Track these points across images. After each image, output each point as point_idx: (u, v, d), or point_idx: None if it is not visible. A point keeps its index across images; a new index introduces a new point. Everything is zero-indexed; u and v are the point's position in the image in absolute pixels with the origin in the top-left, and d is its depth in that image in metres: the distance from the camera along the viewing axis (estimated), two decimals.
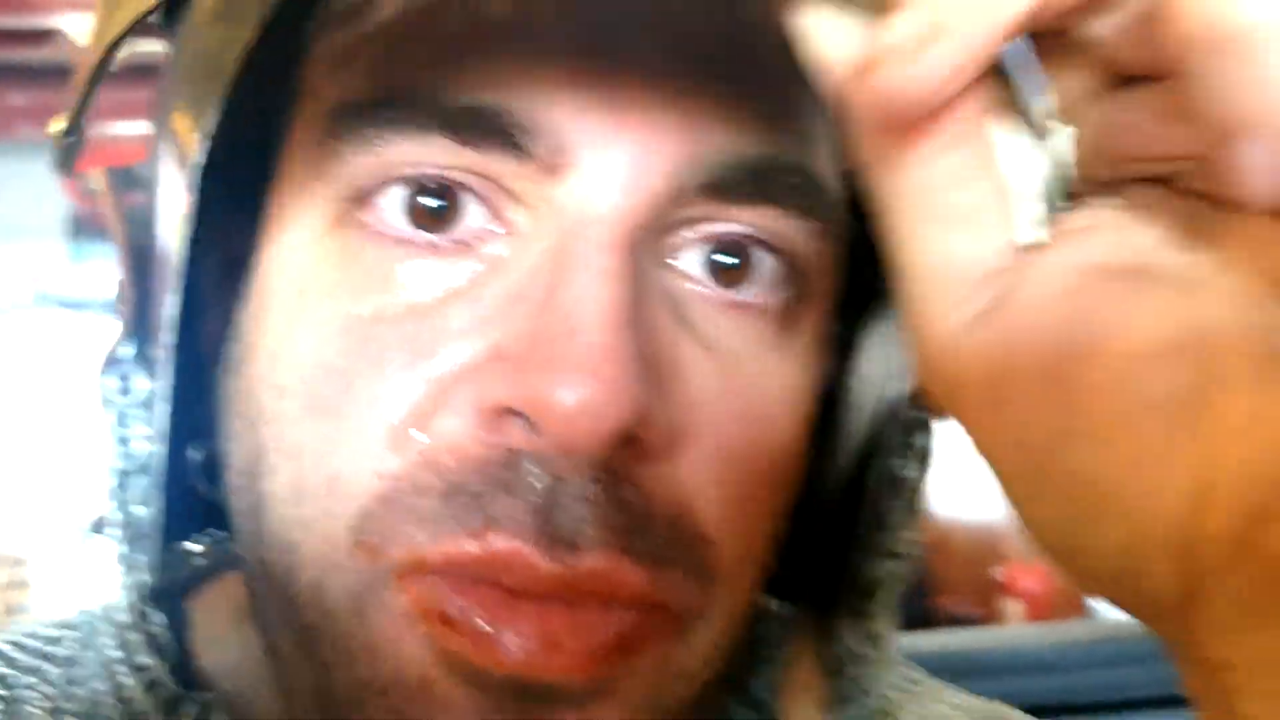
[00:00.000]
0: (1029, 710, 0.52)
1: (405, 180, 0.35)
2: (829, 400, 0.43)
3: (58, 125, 0.42)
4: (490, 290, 0.35)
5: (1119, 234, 0.27)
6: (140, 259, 0.42)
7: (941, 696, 0.51)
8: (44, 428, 3.28)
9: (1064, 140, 0.27)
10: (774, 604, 0.47)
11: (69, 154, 0.42)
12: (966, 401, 0.28)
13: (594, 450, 0.33)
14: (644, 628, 0.36)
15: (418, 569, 0.35)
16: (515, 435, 0.34)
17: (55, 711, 0.44)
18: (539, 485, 0.34)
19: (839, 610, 0.44)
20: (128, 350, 0.42)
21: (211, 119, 0.34)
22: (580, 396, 0.32)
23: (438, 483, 0.34)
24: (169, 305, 0.37)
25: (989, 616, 2.49)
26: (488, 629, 0.34)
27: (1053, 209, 0.27)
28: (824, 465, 0.44)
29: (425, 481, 0.35)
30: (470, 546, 0.34)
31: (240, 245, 0.40)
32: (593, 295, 0.33)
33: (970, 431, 0.28)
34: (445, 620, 0.35)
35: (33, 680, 0.46)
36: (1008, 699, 0.53)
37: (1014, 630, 2.16)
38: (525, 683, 0.35)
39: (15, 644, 0.47)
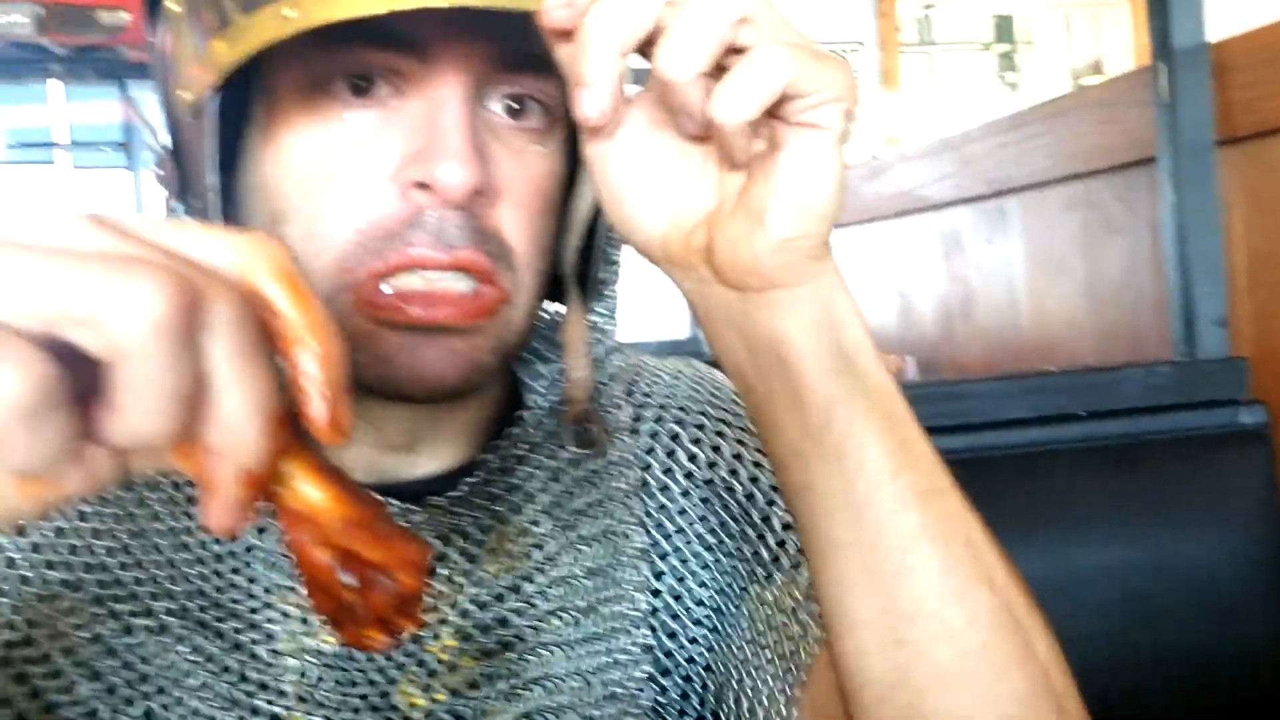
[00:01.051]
0: None
1: (345, 75, 0.64)
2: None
3: (183, 95, 0.66)
4: (398, 126, 0.64)
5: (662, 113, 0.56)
6: (175, 155, 0.70)
7: (643, 356, 0.86)
8: None
9: None
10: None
11: (195, 109, 0.65)
12: (593, 178, 0.58)
13: (464, 198, 0.62)
14: (488, 301, 0.64)
15: (369, 278, 0.63)
16: (418, 198, 0.63)
17: None
18: (433, 221, 0.63)
19: (590, 294, 0.75)
20: (178, 205, 0.70)
21: (230, 67, 0.60)
22: (452, 173, 0.61)
23: (382, 233, 0.64)
24: (209, 179, 0.63)
25: None
26: (401, 305, 0.63)
27: None
28: (573, 214, 0.74)
29: (376, 233, 0.64)
30: (399, 257, 0.63)
31: (241, 117, 0.67)
32: (455, 122, 0.62)
33: (595, 189, 0.59)
34: (376, 306, 0.63)
35: None
36: None
37: None
38: (425, 325, 0.64)
39: None
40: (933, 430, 0.57)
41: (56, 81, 5.76)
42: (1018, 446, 1.44)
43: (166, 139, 0.70)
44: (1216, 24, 1.47)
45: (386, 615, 0.45)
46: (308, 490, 0.43)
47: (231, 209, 0.67)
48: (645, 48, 0.51)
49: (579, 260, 0.74)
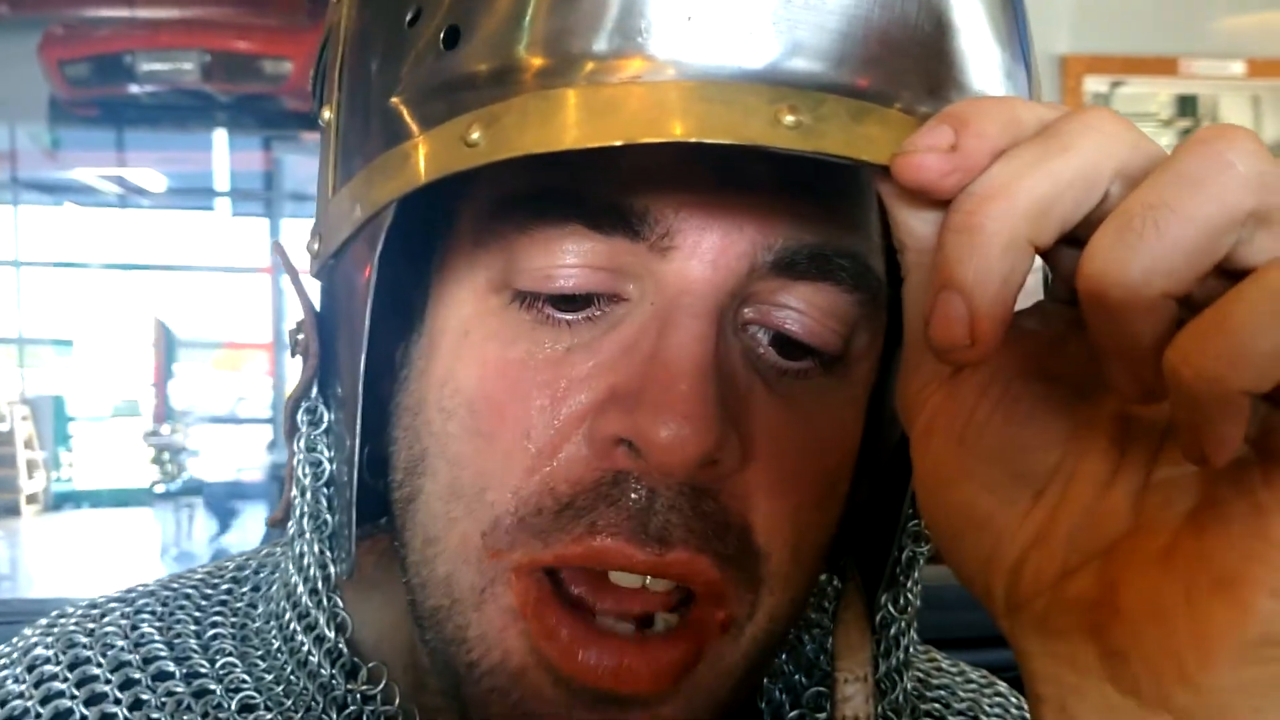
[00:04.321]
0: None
1: (552, 296, 0.45)
2: (877, 420, 0.52)
3: (312, 244, 0.51)
4: (607, 343, 0.45)
5: (1048, 344, 0.36)
6: (321, 319, 0.52)
7: (936, 658, 0.63)
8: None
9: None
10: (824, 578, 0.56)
11: (320, 270, 0.51)
12: (913, 434, 0.38)
13: (683, 472, 0.42)
14: (699, 644, 0.45)
15: (531, 565, 0.45)
16: (621, 460, 0.43)
17: (243, 641, 0.54)
18: (637, 497, 0.43)
19: (881, 583, 0.53)
20: (314, 391, 0.52)
21: (390, 212, 0.43)
22: (674, 432, 0.41)
23: (552, 504, 0.44)
24: (359, 363, 0.46)
25: None
26: (573, 645, 0.44)
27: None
28: (870, 470, 0.52)
29: (543, 504, 0.44)
30: (576, 548, 0.44)
31: (409, 296, 0.50)
32: (686, 352, 0.43)
33: (912, 453, 0.39)
34: (541, 623, 0.44)
35: (221, 607, 0.57)
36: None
37: None
38: (603, 693, 0.44)
39: (204, 578, 0.59)
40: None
41: (221, 130, 5.85)
42: None
43: (314, 297, 0.52)
44: None
45: None
46: None
47: (385, 423, 0.50)
48: (1059, 241, 0.32)
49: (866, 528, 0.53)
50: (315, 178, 0.51)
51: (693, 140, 0.37)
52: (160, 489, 5.94)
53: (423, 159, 0.41)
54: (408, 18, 0.43)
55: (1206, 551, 0.32)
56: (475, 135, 0.39)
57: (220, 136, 5.91)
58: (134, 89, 5.17)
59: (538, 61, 0.40)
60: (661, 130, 0.37)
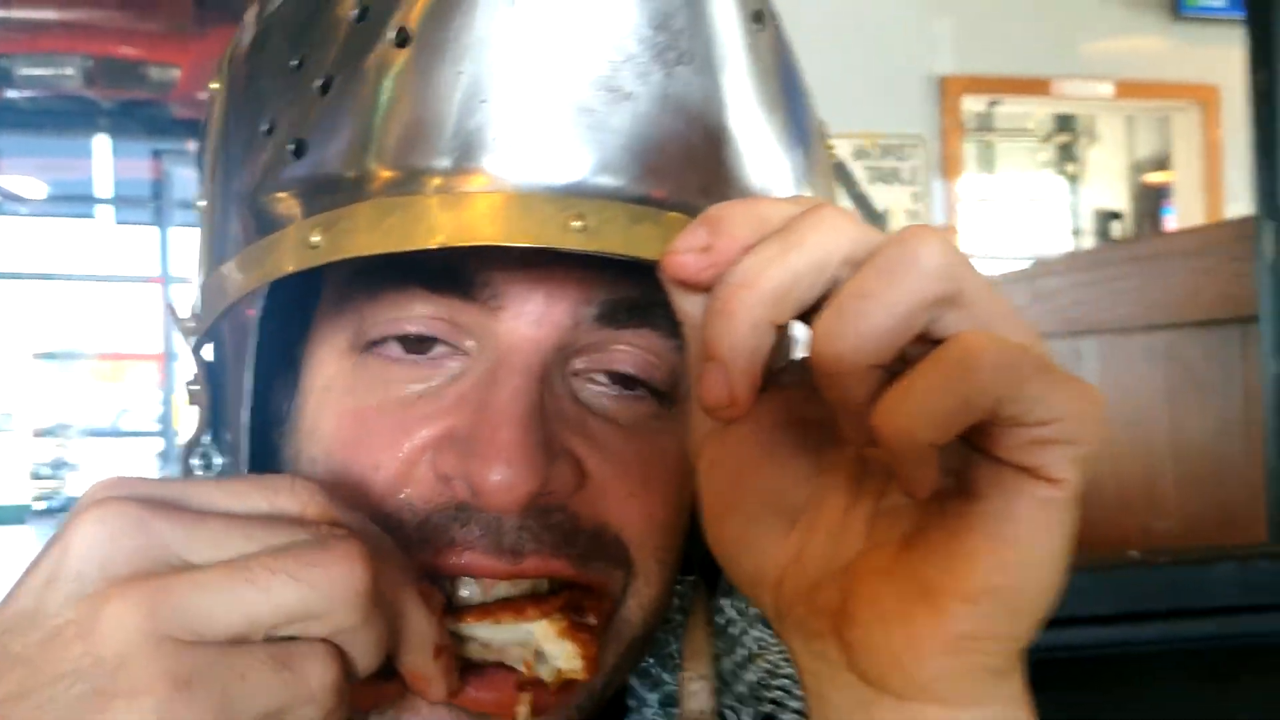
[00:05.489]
0: None
1: (399, 337, 0.51)
2: None
3: (188, 322, 0.56)
4: (449, 393, 0.50)
5: (803, 395, 0.42)
6: (209, 374, 0.56)
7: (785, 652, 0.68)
8: None
9: None
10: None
11: (190, 339, 0.56)
12: (698, 475, 0.45)
13: (516, 509, 0.48)
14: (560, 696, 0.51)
15: (423, 570, 0.48)
16: (460, 492, 0.49)
17: None
18: (485, 520, 0.49)
19: (720, 587, 0.59)
20: (206, 437, 0.56)
21: (263, 293, 0.49)
22: (501, 476, 0.47)
23: (411, 517, 0.49)
24: (242, 417, 0.51)
25: None
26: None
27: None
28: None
29: (403, 517, 0.49)
30: (438, 560, 0.49)
31: (295, 353, 0.55)
32: (510, 404, 0.48)
33: (698, 490, 0.45)
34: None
35: None
36: None
37: None
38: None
39: None
40: None
41: (103, 136, 5.74)
42: (1089, 647, 1.26)
43: (207, 350, 0.57)
44: None
45: None
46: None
47: (271, 459, 0.55)
48: (806, 313, 0.38)
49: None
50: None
51: (497, 244, 0.43)
52: (40, 505, 5.79)
53: (277, 255, 0.47)
54: (263, 128, 0.49)
55: (914, 566, 0.39)
56: (316, 238, 0.45)
57: (102, 143, 5.80)
58: (12, 94, 5.06)
59: (382, 172, 0.46)
60: (472, 236, 0.43)
